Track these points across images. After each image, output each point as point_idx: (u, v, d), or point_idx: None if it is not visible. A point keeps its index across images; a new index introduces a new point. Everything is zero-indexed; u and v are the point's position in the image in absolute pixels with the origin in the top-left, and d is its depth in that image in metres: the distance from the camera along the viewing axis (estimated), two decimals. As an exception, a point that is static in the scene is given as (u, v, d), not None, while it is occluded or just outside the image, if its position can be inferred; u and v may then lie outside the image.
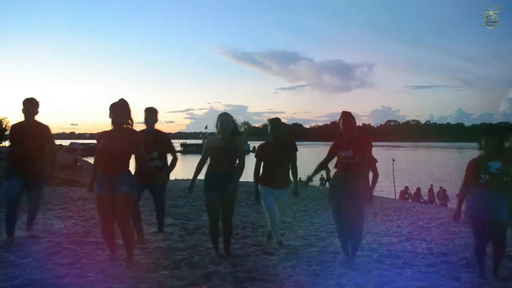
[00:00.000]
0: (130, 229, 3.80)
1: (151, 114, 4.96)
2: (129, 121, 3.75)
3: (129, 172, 3.72)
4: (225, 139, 4.10)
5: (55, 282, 3.17)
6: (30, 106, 4.62)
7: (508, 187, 3.63)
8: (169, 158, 5.09)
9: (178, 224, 5.99)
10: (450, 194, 19.16)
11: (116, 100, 3.77)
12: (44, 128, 4.72)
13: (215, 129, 4.26)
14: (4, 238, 4.33)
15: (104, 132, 3.74)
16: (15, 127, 4.75)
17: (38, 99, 4.72)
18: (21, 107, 4.61)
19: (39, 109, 4.73)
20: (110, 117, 3.69)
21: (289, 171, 4.86)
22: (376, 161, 4.22)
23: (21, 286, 3.07)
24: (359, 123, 4.84)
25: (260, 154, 4.88)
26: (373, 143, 4.25)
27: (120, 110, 3.68)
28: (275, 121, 4.86)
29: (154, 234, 5.15)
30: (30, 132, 4.56)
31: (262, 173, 4.85)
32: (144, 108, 5.04)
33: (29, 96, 4.66)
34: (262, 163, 4.85)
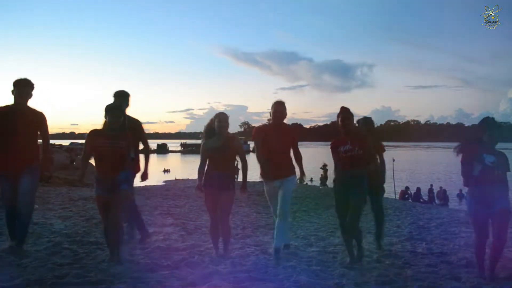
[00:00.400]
0: (122, 226, 3.82)
1: (121, 99, 4.43)
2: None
3: (128, 171, 3.75)
4: (222, 139, 4.10)
5: (55, 282, 3.17)
6: (24, 89, 3.92)
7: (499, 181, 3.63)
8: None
9: (178, 224, 5.99)
10: (450, 194, 19.17)
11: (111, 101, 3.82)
12: (39, 115, 4.04)
13: (205, 128, 4.23)
14: (8, 242, 4.03)
15: (96, 131, 3.77)
16: (1, 111, 3.91)
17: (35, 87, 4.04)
18: (12, 89, 3.91)
19: (33, 93, 4.04)
20: (105, 118, 3.73)
21: (291, 159, 4.37)
22: (384, 150, 4.78)
23: (21, 286, 3.07)
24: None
25: (258, 137, 4.33)
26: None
27: (118, 111, 3.72)
28: (279, 104, 4.34)
29: (155, 234, 5.15)
30: (21, 118, 3.87)
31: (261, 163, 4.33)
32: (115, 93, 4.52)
33: (23, 77, 3.95)
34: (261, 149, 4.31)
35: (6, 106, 3.96)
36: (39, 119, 4.03)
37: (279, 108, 4.31)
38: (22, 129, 3.88)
